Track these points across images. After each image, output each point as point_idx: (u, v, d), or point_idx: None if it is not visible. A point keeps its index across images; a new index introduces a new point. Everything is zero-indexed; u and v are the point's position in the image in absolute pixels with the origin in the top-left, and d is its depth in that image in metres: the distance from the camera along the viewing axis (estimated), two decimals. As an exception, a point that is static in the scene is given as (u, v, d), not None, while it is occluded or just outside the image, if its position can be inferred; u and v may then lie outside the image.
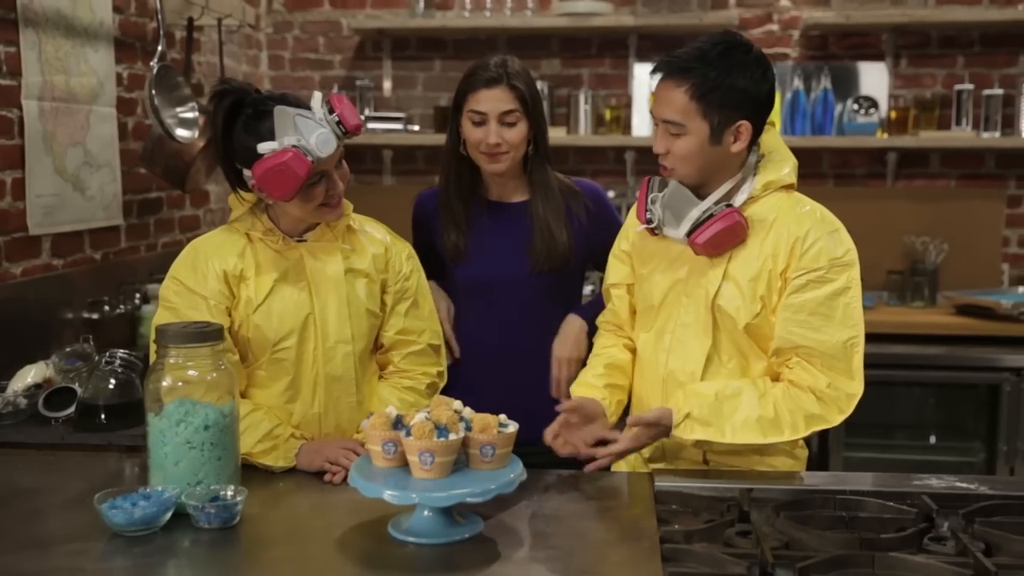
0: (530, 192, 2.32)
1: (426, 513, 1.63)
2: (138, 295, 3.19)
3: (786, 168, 1.98)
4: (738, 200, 1.93)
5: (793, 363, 1.91)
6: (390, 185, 4.63)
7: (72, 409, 2.37)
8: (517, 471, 1.65)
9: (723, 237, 1.89)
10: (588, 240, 2.31)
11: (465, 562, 1.55)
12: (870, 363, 3.57)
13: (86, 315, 3.01)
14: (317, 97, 1.92)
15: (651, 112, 1.96)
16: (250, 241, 2.01)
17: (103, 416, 2.31)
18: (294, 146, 1.86)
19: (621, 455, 1.96)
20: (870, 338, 3.65)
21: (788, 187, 1.98)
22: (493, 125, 2.22)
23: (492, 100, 2.22)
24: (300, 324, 1.99)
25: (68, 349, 2.58)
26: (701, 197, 1.93)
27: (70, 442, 2.28)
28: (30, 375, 2.47)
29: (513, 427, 1.66)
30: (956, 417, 4.01)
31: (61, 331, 2.88)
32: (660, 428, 1.91)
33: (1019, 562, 1.53)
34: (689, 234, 1.91)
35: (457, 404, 1.70)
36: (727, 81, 1.86)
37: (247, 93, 1.95)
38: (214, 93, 1.96)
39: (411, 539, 1.61)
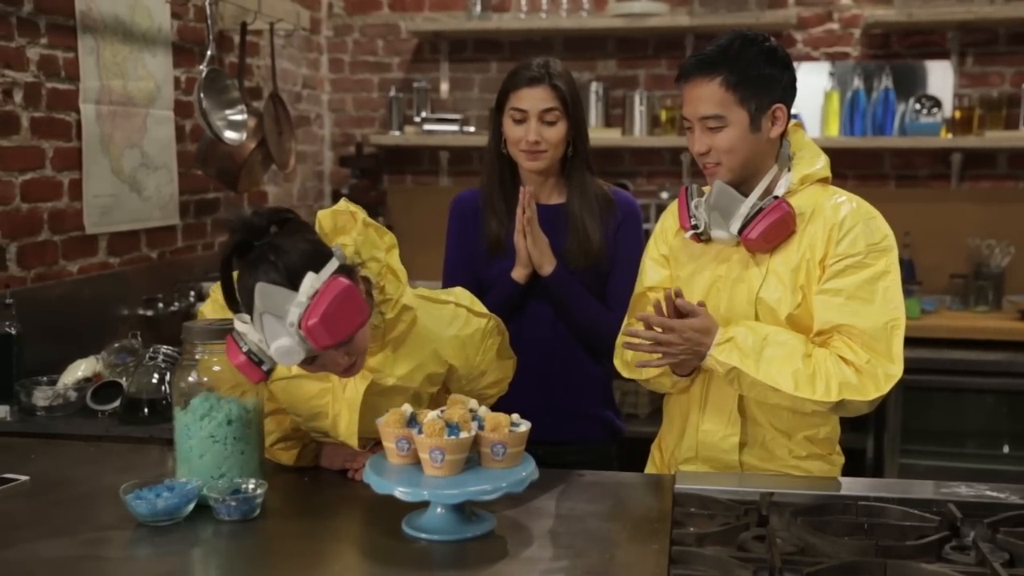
0: (567, 193, 2.34)
1: (439, 510, 1.65)
2: (193, 292, 3.27)
3: (819, 163, 1.99)
4: (778, 192, 1.95)
5: (835, 339, 1.89)
6: (446, 186, 4.67)
7: (118, 403, 2.44)
8: (528, 470, 1.65)
9: (775, 229, 1.90)
10: (612, 246, 2.33)
11: (472, 559, 1.56)
12: (929, 368, 3.58)
13: (141, 312, 3.11)
14: (306, 286, 1.58)
15: (683, 116, 1.97)
16: None
17: (146, 410, 2.39)
18: (248, 352, 1.63)
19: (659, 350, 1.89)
20: (930, 342, 3.67)
21: (824, 180, 1.99)
22: (533, 123, 2.24)
23: (533, 98, 2.25)
24: (312, 415, 1.88)
25: (117, 345, 2.66)
26: (744, 195, 1.94)
27: (114, 434, 2.36)
28: (80, 369, 2.55)
29: (525, 426, 1.67)
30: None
31: (116, 327, 2.97)
32: (700, 340, 1.86)
33: (1040, 574, 1.49)
34: (741, 231, 1.91)
35: (472, 403, 1.71)
36: (755, 69, 1.90)
37: (258, 233, 1.64)
38: (233, 227, 1.66)
39: (424, 535, 1.63)
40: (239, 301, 1.65)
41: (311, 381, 1.85)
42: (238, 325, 1.65)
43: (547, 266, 2.26)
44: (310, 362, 1.67)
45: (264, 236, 1.63)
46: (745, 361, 1.85)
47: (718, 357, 1.87)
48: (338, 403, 1.85)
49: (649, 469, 2.18)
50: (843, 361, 1.86)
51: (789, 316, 1.91)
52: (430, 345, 1.88)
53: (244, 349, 1.63)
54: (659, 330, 1.88)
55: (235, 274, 1.66)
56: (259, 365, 1.64)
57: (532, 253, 2.24)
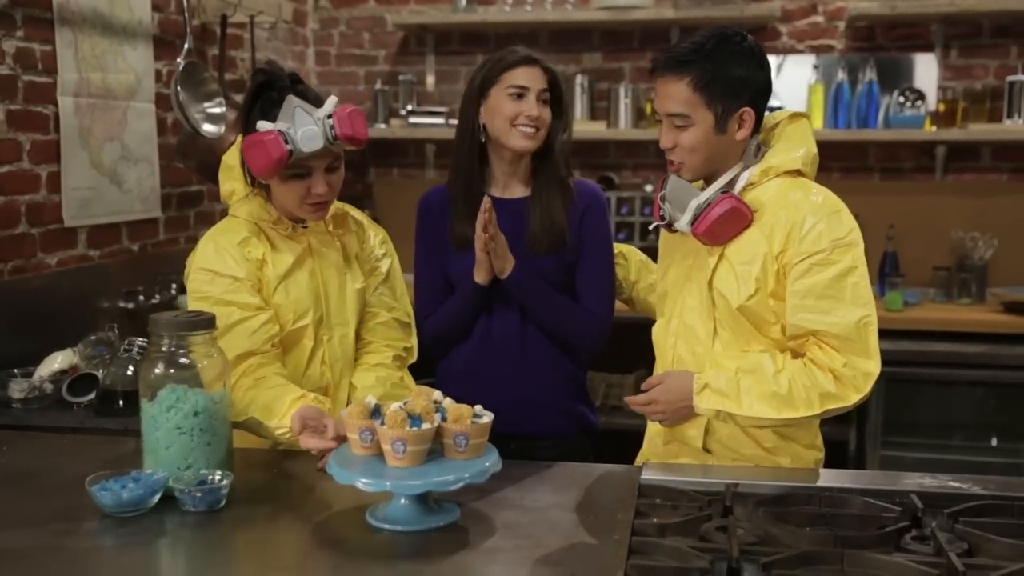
0: (533, 184, 2.33)
1: (402, 501, 1.66)
2: (175, 285, 3.27)
3: (795, 154, 1.97)
4: (737, 187, 1.96)
5: (810, 345, 1.90)
6: (432, 179, 4.67)
7: (93, 395, 2.45)
8: (491, 461, 1.66)
9: (723, 223, 1.91)
10: (577, 236, 2.31)
11: (434, 549, 1.57)
12: (912, 360, 3.58)
13: (122, 305, 3.11)
14: (331, 100, 1.99)
15: (655, 109, 2.01)
16: (260, 230, 2.09)
17: (121, 402, 2.39)
18: (279, 131, 1.93)
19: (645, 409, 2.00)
20: (913, 335, 3.68)
21: (793, 173, 1.97)
22: (533, 98, 2.24)
23: (532, 77, 2.25)
24: (312, 304, 2.10)
25: (93, 337, 2.66)
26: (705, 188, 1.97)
27: (88, 426, 2.36)
28: (57, 362, 2.56)
29: (488, 418, 1.67)
30: (1011, 418, 3.88)
31: (96, 320, 2.97)
32: (682, 397, 1.94)
33: (996, 563, 1.49)
34: (692, 224, 1.93)
35: (437, 394, 1.72)
36: (726, 70, 1.91)
37: (279, 78, 2.01)
38: (254, 72, 2.09)
39: (386, 526, 1.64)
40: (249, 128, 1.97)
41: (305, 274, 2.10)
42: (260, 124, 1.94)
43: (507, 269, 2.25)
44: (302, 175, 1.99)
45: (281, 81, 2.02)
46: (726, 402, 1.89)
47: (702, 406, 1.91)
48: (325, 279, 2.12)
49: (641, 459, 2.19)
50: (817, 368, 1.87)
51: (742, 307, 1.92)
52: (350, 215, 2.23)
53: (277, 129, 1.92)
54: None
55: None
56: (285, 143, 1.92)
57: (494, 263, 2.24)
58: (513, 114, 2.24)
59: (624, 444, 2.44)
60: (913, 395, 3.76)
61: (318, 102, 1.98)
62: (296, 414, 1.88)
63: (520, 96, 2.24)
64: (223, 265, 2.03)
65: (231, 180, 2.12)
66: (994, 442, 3.85)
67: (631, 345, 2.51)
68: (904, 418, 3.76)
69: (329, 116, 1.94)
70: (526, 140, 2.25)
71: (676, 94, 1.92)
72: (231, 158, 2.13)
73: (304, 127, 1.92)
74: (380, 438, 1.63)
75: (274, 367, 2.02)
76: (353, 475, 1.61)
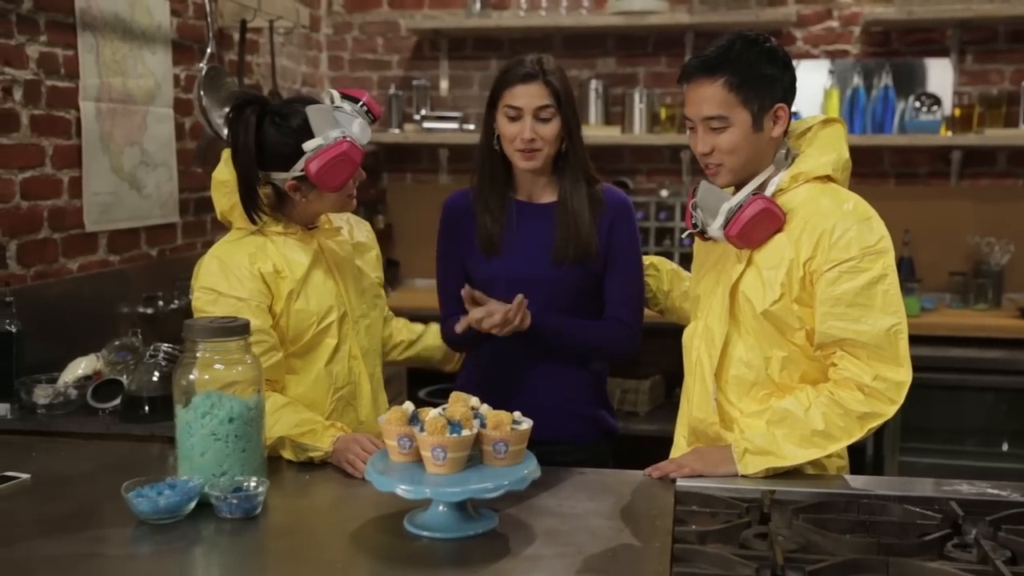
0: (559, 191, 2.31)
1: (441, 508, 1.65)
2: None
3: (825, 159, 1.96)
4: (767, 192, 1.95)
5: (838, 357, 1.88)
6: (446, 184, 4.67)
7: (119, 400, 2.44)
8: (530, 468, 1.65)
9: (756, 225, 1.90)
10: (605, 246, 2.30)
11: (474, 557, 1.56)
12: (929, 366, 3.58)
13: (141, 310, 3.09)
14: (335, 94, 2.09)
15: (686, 116, 1.99)
16: (270, 239, 2.11)
17: (147, 408, 2.38)
18: (345, 137, 2.00)
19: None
20: (929, 340, 3.68)
21: (823, 179, 1.96)
22: (528, 120, 2.21)
23: (528, 95, 2.21)
24: (334, 302, 2.14)
25: (117, 342, 2.65)
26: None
27: (114, 432, 2.35)
28: (81, 367, 2.55)
29: (527, 424, 1.67)
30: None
31: (117, 325, 2.96)
32: (720, 461, 1.91)
33: (1042, 571, 1.49)
34: (724, 227, 1.93)
35: (474, 400, 1.71)
36: (757, 70, 1.91)
37: (266, 100, 2.08)
38: (233, 106, 2.06)
39: (425, 533, 1.63)
40: (271, 156, 2.04)
41: (320, 273, 2.14)
42: (309, 144, 2.00)
43: (525, 326, 2.19)
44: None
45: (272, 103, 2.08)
46: (770, 459, 1.88)
47: (750, 473, 1.88)
48: (342, 274, 2.19)
49: (674, 452, 2.17)
50: (844, 391, 1.85)
51: (766, 312, 1.91)
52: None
53: (335, 136, 2.00)
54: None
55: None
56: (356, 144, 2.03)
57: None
58: (510, 135, 2.22)
59: (638, 449, 2.43)
60: (930, 401, 3.75)
61: (317, 101, 2.07)
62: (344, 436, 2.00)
63: (516, 118, 2.21)
64: (227, 285, 2.04)
65: (228, 195, 2.10)
66: (1005, 447, 3.84)
67: (647, 351, 2.49)
68: (921, 424, 3.75)
69: (362, 104, 2.10)
70: (525, 161, 2.24)
71: (711, 97, 1.92)
72: (222, 174, 2.11)
73: (354, 123, 2.05)
74: (419, 445, 1.62)
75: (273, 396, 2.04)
76: (392, 482, 1.60)
